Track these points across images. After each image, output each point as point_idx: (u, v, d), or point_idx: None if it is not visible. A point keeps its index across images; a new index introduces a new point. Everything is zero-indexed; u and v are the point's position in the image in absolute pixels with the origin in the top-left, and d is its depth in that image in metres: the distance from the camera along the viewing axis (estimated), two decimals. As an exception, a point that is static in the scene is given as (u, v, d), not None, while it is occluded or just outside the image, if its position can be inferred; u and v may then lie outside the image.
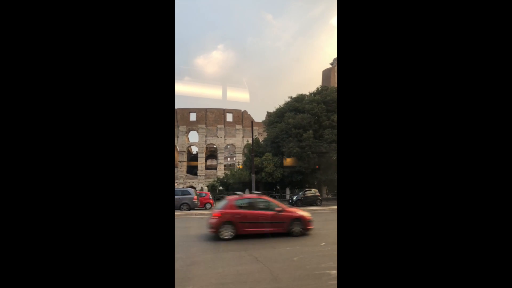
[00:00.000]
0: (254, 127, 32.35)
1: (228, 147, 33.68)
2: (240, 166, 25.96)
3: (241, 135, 31.03)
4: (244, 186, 18.68)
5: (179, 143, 30.77)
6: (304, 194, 16.77)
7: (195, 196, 13.62)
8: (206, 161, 32.07)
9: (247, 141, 27.94)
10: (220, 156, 31.12)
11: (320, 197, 16.70)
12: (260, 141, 22.61)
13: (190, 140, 32.07)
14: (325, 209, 13.29)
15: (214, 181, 22.61)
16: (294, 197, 16.62)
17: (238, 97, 36.17)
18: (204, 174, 30.16)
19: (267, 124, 21.33)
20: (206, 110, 31.21)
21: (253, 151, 17.34)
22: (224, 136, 30.92)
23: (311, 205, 15.60)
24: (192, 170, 31.41)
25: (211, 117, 31.19)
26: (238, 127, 31.15)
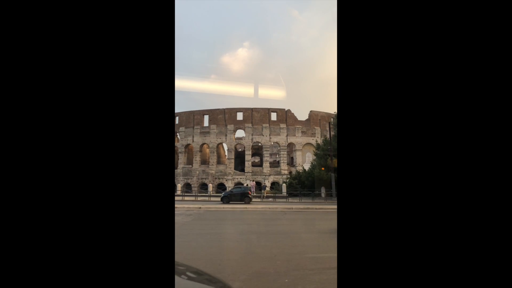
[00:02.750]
0: (297, 126, 33.87)
1: (272, 144, 34.95)
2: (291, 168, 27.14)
3: (285, 134, 32.25)
4: (320, 184, 20.10)
5: (227, 141, 32.13)
6: (231, 192, 17.46)
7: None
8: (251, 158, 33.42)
9: (317, 141, 29.14)
10: (266, 154, 32.44)
11: (250, 195, 16.73)
12: (317, 141, 23.96)
13: (237, 138, 33.36)
14: (247, 208, 13.75)
15: (288, 178, 24.04)
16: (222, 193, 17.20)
17: (269, 94, 37.46)
18: (251, 171, 31.51)
19: (334, 125, 22.68)
20: (252, 109, 32.43)
21: (331, 150, 18.70)
22: (269, 135, 32.16)
23: (234, 202, 16.21)
24: (237, 167, 32.82)
25: (256, 116, 32.40)
26: (282, 125, 32.28)
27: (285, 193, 20.85)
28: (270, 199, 19.76)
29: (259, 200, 18.81)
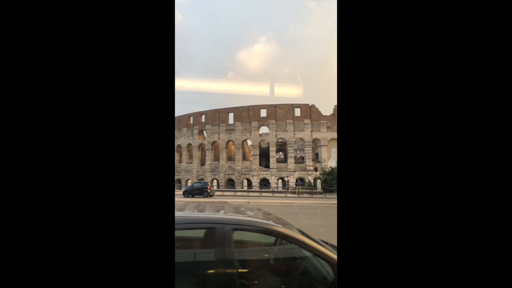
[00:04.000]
0: (321, 121, 33.76)
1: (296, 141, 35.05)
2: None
3: (310, 129, 32.24)
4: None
5: (252, 138, 32.48)
6: (192, 187, 20.72)
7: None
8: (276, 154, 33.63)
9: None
10: (290, 150, 32.58)
11: (208, 189, 19.45)
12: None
13: (261, 135, 33.62)
14: (207, 200, 15.50)
15: (322, 175, 24.21)
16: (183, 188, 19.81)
17: (290, 89, 37.39)
18: (276, 167, 31.77)
19: None
20: (275, 106, 32.56)
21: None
22: (293, 131, 32.23)
23: (197, 196, 19.16)
24: (262, 163, 33.14)
25: (280, 113, 32.52)
26: (307, 121, 32.24)
27: (319, 189, 20.98)
28: (306, 194, 19.95)
29: (296, 195, 19.08)
